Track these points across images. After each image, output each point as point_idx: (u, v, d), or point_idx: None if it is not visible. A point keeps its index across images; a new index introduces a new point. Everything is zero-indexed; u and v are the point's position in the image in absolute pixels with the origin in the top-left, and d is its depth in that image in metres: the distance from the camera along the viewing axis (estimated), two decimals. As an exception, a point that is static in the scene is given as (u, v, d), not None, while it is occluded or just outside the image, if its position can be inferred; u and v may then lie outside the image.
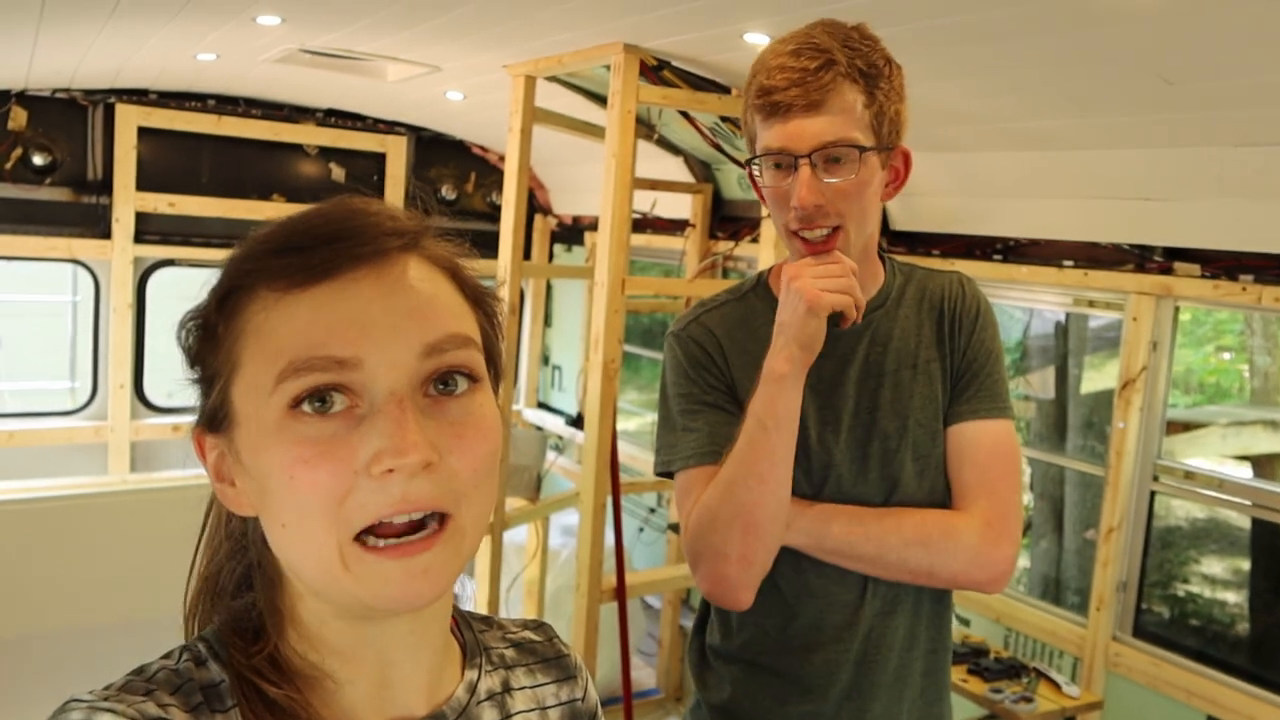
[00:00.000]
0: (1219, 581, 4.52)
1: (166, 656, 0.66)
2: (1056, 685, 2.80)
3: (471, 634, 0.79)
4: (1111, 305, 2.96)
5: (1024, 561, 5.65)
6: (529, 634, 0.85)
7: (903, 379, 1.37)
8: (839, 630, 1.36)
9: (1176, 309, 2.79)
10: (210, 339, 0.65)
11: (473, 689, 0.75)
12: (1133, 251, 2.77)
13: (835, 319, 1.31)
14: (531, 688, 0.80)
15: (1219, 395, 5.67)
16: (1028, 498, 5.88)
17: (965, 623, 3.27)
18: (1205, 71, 2.07)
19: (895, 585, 1.36)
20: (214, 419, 0.65)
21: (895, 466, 1.36)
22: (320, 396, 0.60)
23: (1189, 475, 2.80)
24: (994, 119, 2.68)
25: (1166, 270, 2.70)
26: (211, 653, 0.66)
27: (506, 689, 0.78)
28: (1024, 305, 3.65)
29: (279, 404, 0.60)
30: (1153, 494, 2.85)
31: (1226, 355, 5.71)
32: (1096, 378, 5.08)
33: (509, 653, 0.81)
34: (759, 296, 1.42)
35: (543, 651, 0.84)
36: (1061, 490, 5.28)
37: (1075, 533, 5.07)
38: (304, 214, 0.65)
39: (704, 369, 1.38)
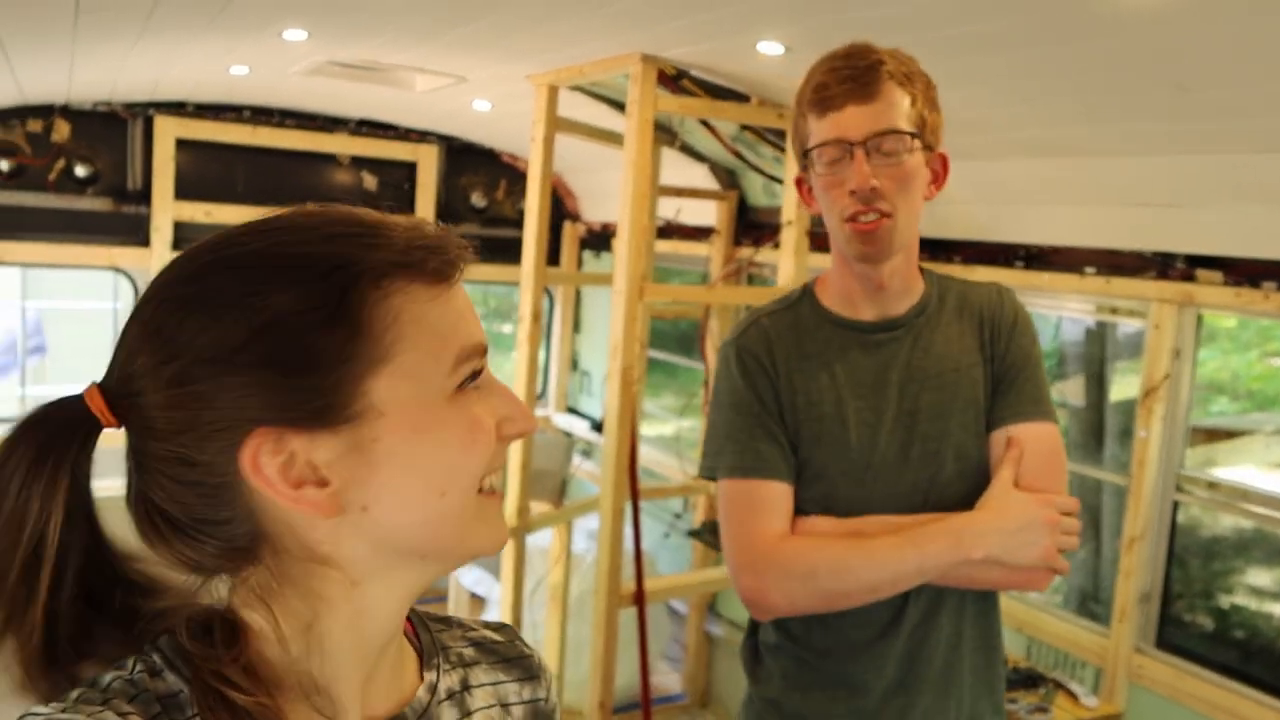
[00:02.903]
0: (1253, 590, 4.42)
1: (119, 667, 0.64)
2: (1074, 696, 2.77)
3: (428, 634, 0.79)
4: (1134, 313, 2.93)
5: (1059, 570, 5.56)
6: (490, 634, 0.85)
7: (945, 383, 1.41)
8: (884, 629, 1.41)
9: (1199, 317, 2.75)
10: (343, 331, 0.63)
11: (433, 690, 0.75)
12: (1154, 259, 2.73)
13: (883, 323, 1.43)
14: (492, 685, 0.81)
15: (1266, 402, 5.54)
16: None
17: (987, 632, 3.24)
18: (1222, 79, 2.04)
19: (937, 585, 1.39)
20: (323, 414, 0.62)
21: (935, 468, 1.39)
22: (473, 375, 0.68)
23: (1212, 485, 2.76)
24: (1013, 127, 2.66)
25: (1188, 278, 2.66)
26: (167, 662, 0.64)
27: (465, 687, 0.79)
28: (1046, 312, 3.61)
29: (451, 385, 0.66)
30: (1175, 504, 2.81)
31: (1275, 361, 5.57)
32: (1131, 384, 4.99)
33: (468, 651, 0.82)
34: (807, 304, 1.49)
35: (504, 651, 0.85)
36: (1099, 499, 5.19)
37: (1112, 542, 4.99)
38: (405, 219, 0.68)
39: (755, 378, 1.43)
